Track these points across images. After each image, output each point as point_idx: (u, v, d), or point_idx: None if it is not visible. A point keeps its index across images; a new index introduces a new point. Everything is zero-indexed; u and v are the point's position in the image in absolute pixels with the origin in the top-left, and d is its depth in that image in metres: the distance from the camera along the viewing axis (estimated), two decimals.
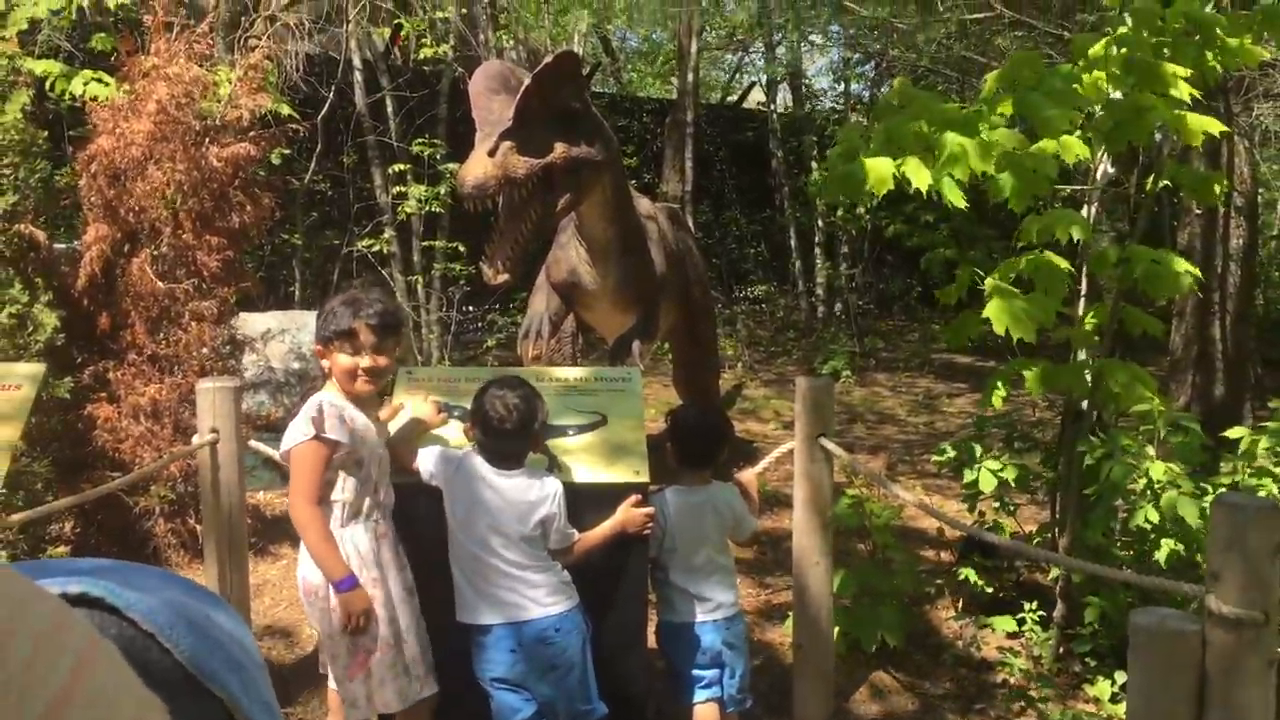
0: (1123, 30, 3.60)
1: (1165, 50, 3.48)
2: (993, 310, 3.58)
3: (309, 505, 2.87)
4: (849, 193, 3.52)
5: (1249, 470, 4.02)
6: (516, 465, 3.06)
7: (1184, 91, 3.40)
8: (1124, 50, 3.47)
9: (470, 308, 10.07)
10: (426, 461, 3.12)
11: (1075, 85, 3.44)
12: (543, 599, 2.98)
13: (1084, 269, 4.27)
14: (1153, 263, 3.69)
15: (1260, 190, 8.30)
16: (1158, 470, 3.72)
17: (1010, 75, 3.61)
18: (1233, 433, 4.35)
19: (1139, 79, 3.45)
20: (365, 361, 3.00)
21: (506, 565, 2.97)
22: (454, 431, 3.38)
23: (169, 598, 0.73)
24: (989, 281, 3.73)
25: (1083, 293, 4.30)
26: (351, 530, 2.97)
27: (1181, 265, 3.70)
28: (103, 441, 4.81)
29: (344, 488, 2.96)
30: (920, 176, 3.31)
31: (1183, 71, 3.40)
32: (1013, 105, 3.48)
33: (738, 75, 18.78)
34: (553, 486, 3.04)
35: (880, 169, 3.37)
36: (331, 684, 3.13)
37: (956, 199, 3.29)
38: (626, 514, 3.15)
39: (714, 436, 3.52)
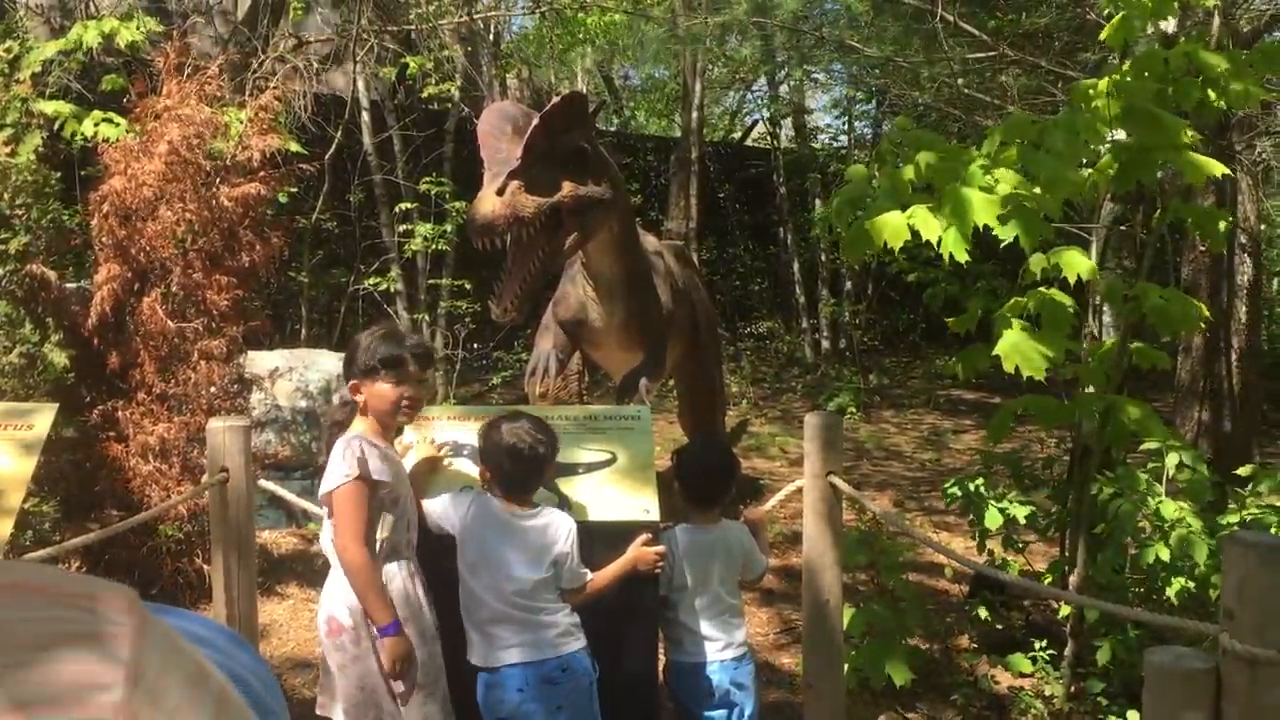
0: (1124, 69, 3.63)
1: (1168, 91, 3.51)
2: (1004, 348, 3.58)
3: (361, 547, 2.83)
4: (867, 249, 3.53)
5: (1258, 507, 4.01)
6: (530, 503, 3.06)
7: (1186, 137, 3.42)
8: (1123, 97, 3.49)
9: (476, 345, 10.10)
10: (435, 507, 3.12)
11: (1078, 132, 3.46)
12: (552, 640, 2.96)
13: (1090, 307, 4.28)
14: (1160, 299, 3.69)
15: (1262, 226, 8.33)
16: (1169, 509, 3.70)
17: (1011, 134, 3.64)
18: (1244, 470, 4.34)
19: (1139, 126, 3.48)
20: (410, 391, 3.01)
21: (517, 610, 2.95)
22: (465, 468, 3.37)
23: (192, 636, 0.74)
24: (999, 315, 3.74)
25: (1089, 330, 4.31)
26: (391, 568, 2.95)
27: (1190, 302, 3.71)
28: (111, 480, 4.82)
29: (384, 525, 2.94)
30: (929, 228, 3.33)
31: (1183, 124, 3.43)
32: (1018, 157, 3.50)
33: (741, 112, 18.90)
34: (566, 525, 3.03)
35: (894, 224, 3.39)
36: None
37: (959, 253, 3.31)
38: (637, 552, 3.14)
39: (722, 475, 3.50)
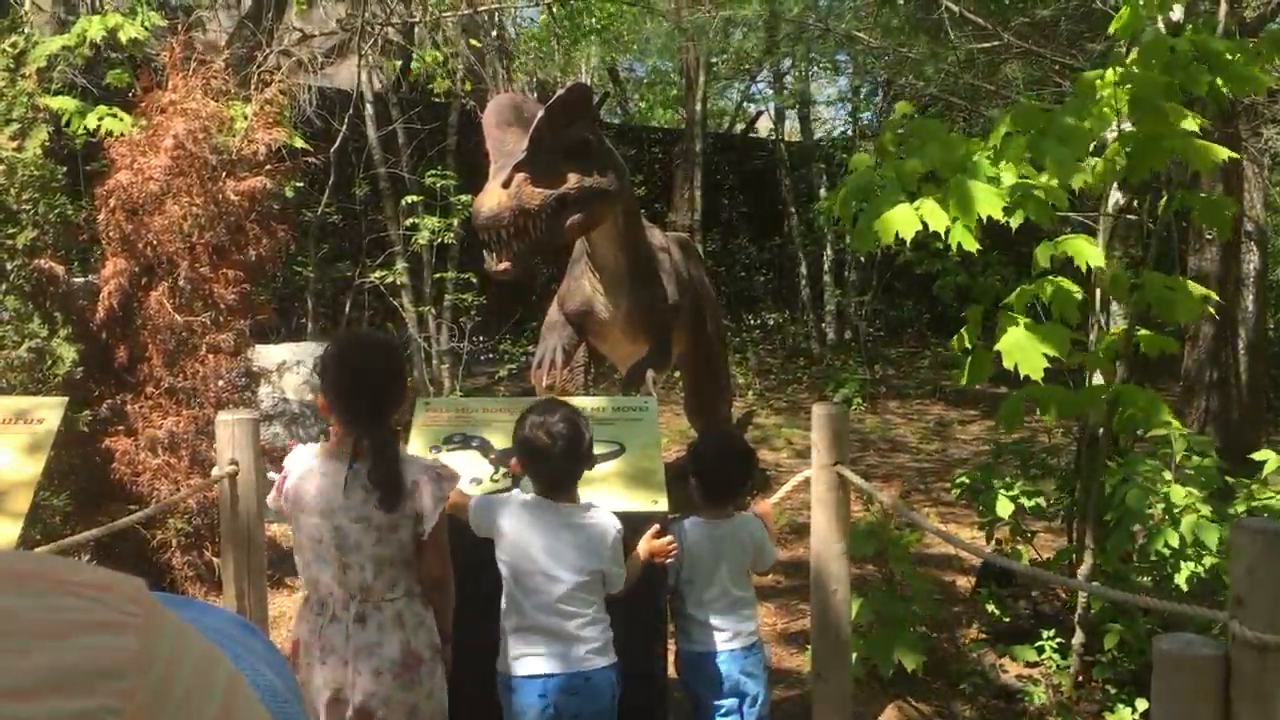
0: (1131, 60, 3.62)
1: (1175, 83, 3.49)
2: (1005, 344, 3.56)
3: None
4: (877, 242, 3.51)
5: (1267, 494, 4.00)
6: (570, 497, 2.96)
7: (1191, 125, 3.41)
8: (1129, 87, 3.48)
9: (482, 338, 10.10)
10: (471, 516, 3.00)
11: (1084, 123, 3.45)
12: (581, 655, 2.88)
13: (1096, 295, 4.27)
14: (1166, 288, 3.69)
15: (1269, 216, 8.32)
16: (1177, 495, 3.70)
17: (1017, 124, 3.62)
18: (1259, 455, 4.32)
19: (1145, 116, 3.48)
20: None
21: (553, 617, 2.88)
22: (471, 461, 3.38)
23: (207, 627, 0.74)
24: (1004, 309, 3.73)
25: (1095, 319, 4.30)
26: None
27: (1197, 289, 3.70)
28: (120, 474, 4.83)
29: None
30: (937, 219, 3.32)
31: (1186, 113, 3.42)
32: (1025, 147, 3.49)
33: (745, 104, 18.85)
34: (614, 527, 2.93)
35: (904, 216, 3.38)
36: None
37: (969, 243, 3.30)
38: (650, 545, 3.11)
39: (739, 468, 3.46)
